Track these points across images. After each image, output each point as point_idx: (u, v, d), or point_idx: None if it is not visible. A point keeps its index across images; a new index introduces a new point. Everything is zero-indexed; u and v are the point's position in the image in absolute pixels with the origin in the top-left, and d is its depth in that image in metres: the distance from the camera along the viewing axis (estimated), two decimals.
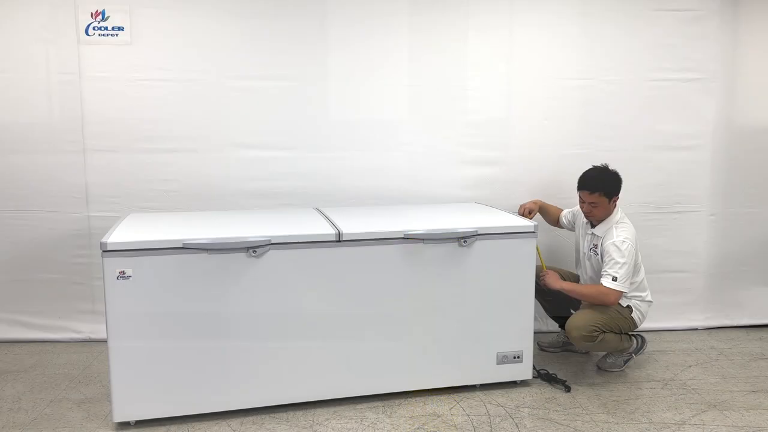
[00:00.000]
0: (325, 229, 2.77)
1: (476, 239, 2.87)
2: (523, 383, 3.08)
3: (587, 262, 3.21)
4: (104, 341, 2.80)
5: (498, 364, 2.99)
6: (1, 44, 3.33)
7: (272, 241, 2.65)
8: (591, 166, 3.14)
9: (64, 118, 3.39)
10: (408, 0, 3.53)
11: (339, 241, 2.72)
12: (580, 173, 3.14)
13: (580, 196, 3.10)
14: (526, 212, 3.35)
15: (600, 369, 3.24)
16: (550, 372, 3.14)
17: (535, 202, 3.43)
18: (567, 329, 3.01)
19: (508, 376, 3.02)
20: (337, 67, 3.53)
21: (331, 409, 2.80)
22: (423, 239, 2.81)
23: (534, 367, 3.07)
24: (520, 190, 3.69)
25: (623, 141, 3.72)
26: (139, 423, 2.65)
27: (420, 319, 2.86)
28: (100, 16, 3.34)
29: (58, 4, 3.31)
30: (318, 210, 3.27)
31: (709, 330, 3.90)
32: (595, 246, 3.10)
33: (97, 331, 3.53)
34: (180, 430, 2.62)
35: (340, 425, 2.67)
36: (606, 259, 2.99)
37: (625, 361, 3.25)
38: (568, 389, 3.03)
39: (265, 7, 3.44)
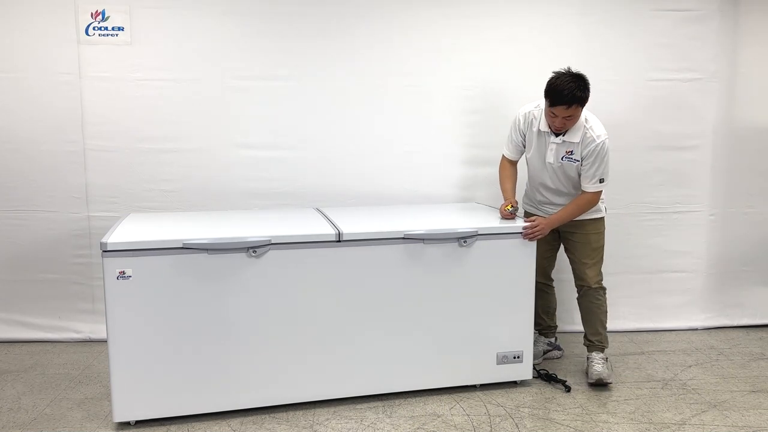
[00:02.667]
0: (325, 229, 2.77)
1: (476, 239, 2.87)
2: (523, 383, 3.08)
3: (559, 172, 3.00)
4: (104, 341, 2.81)
5: (498, 364, 2.99)
6: (1, 44, 3.33)
7: (272, 241, 2.65)
8: (553, 74, 2.84)
9: (64, 118, 3.39)
10: (410, 1, 3.53)
11: (339, 241, 2.72)
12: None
13: (552, 112, 2.82)
14: (509, 213, 3.04)
15: (598, 384, 3.04)
16: (550, 372, 3.14)
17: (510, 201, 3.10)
18: (582, 284, 3.08)
19: (508, 376, 3.02)
20: (337, 67, 3.53)
21: (331, 409, 2.80)
22: (423, 239, 2.81)
23: (534, 367, 3.07)
24: (520, 190, 3.68)
25: (623, 141, 3.72)
26: (139, 423, 2.65)
27: (420, 319, 2.86)
28: (100, 16, 3.34)
29: (58, 4, 3.31)
30: (318, 210, 3.27)
31: (709, 330, 3.90)
32: (570, 153, 2.93)
33: (97, 331, 3.53)
34: (180, 430, 2.62)
35: (340, 425, 2.67)
36: (590, 161, 2.90)
37: (610, 368, 3.11)
38: (568, 389, 3.03)
39: (264, 6, 3.44)
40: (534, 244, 2.95)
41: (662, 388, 3.08)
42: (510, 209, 3.01)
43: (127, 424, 2.65)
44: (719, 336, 3.81)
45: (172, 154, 3.48)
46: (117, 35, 3.36)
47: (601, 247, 3.12)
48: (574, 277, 3.16)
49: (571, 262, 3.17)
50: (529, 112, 3.05)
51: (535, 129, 3.02)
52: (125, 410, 2.61)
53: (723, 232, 3.88)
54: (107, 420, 2.69)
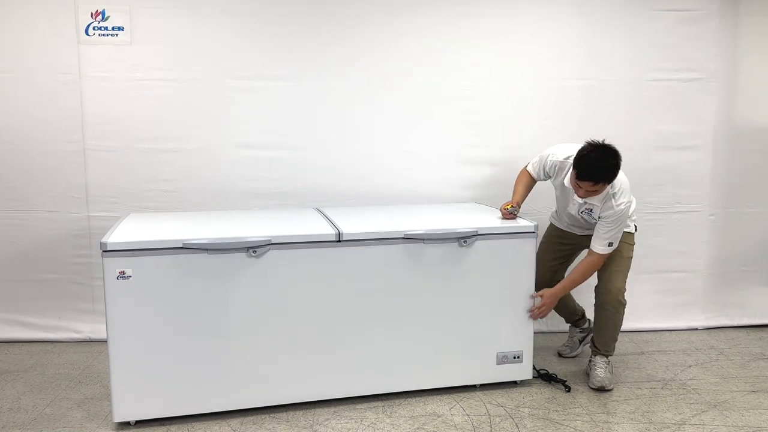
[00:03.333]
0: (325, 229, 2.77)
1: (476, 239, 2.87)
2: (523, 383, 3.08)
3: (579, 218, 3.04)
4: (104, 341, 2.81)
5: (498, 364, 2.99)
6: (2, 44, 3.33)
7: (272, 241, 2.65)
8: (587, 146, 2.79)
9: (64, 118, 3.39)
10: (409, 0, 3.53)
11: (339, 241, 2.72)
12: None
13: (577, 183, 2.80)
14: (508, 213, 3.04)
15: (599, 390, 3.04)
16: (550, 372, 3.14)
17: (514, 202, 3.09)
18: (606, 293, 3.01)
19: (508, 376, 3.02)
20: (337, 67, 3.53)
21: (331, 409, 2.80)
22: (423, 239, 2.81)
23: (534, 367, 3.07)
24: (536, 201, 3.64)
25: (623, 141, 3.69)
26: (139, 423, 2.65)
27: (420, 319, 2.86)
28: (100, 16, 3.34)
29: (58, 4, 3.31)
30: (318, 210, 3.27)
31: (709, 330, 3.90)
32: (590, 210, 2.95)
33: (97, 331, 3.53)
34: (180, 430, 2.62)
35: (340, 425, 2.67)
36: (604, 223, 2.88)
37: (612, 373, 3.12)
38: (568, 389, 3.03)
39: (264, 7, 3.44)
40: (533, 243, 2.95)
41: (662, 388, 3.08)
42: (510, 209, 3.01)
43: (127, 424, 2.65)
44: (719, 336, 3.81)
45: (172, 154, 3.48)
46: (117, 35, 3.37)
47: (630, 259, 3.09)
48: (599, 284, 3.09)
49: (599, 270, 3.10)
50: (559, 163, 3.00)
51: (560, 178, 3.02)
52: (125, 410, 2.61)
53: (723, 232, 3.88)
54: (107, 420, 2.69)
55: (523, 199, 3.14)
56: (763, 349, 3.60)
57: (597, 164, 2.73)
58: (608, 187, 2.85)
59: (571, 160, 2.88)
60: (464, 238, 2.85)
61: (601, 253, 2.93)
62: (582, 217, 3.02)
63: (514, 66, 3.64)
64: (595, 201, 2.90)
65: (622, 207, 2.86)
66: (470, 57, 3.61)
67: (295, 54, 3.49)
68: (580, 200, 2.92)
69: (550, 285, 3.23)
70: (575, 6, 3.61)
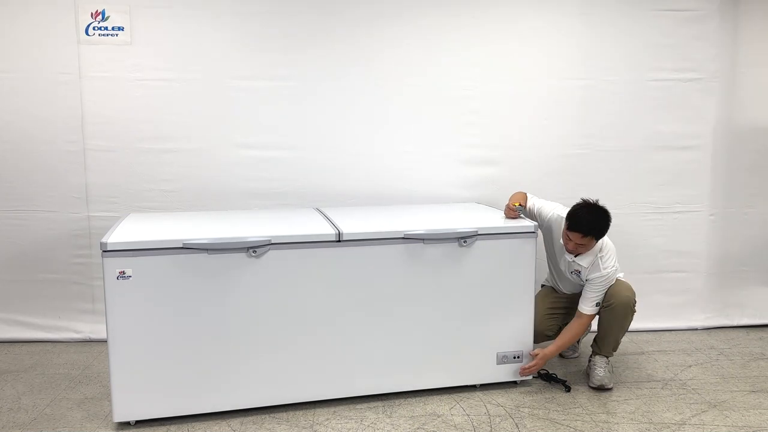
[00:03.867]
0: (325, 229, 2.77)
1: (476, 239, 2.87)
2: (523, 383, 3.08)
3: (569, 277, 3.12)
4: (104, 341, 2.80)
5: (498, 364, 2.99)
6: (1, 44, 3.33)
7: (272, 241, 2.65)
8: (581, 202, 2.92)
9: (64, 118, 3.39)
10: (409, 1, 3.53)
11: (339, 241, 2.73)
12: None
13: (567, 235, 2.89)
14: (514, 210, 3.07)
15: (598, 387, 3.05)
16: (550, 372, 3.14)
17: (519, 199, 3.16)
18: (618, 297, 2.98)
19: (508, 376, 3.02)
20: (337, 67, 3.53)
21: (331, 409, 2.80)
22: (423, 239, 2.81)
23: None
24: (520, 190, 3.68)
25: (623, 141, 3.73)
26: (139, 423, 2.65)
27: (420, 319, 2.86)
28: (100, 16, 3.34)
29: (58, 4, 3.31)
30: (318, 210, 3.27)
31: (709, 330, 3.90)
32: (578, 272, 3.03)
33: (97, 331, 3.53)
34: (180, 430, 2.62)
35: (340, 425, 2.67)
36: (591, 286, 2.97)
37: (611, 372, 3.13)
38: (568, 389, 3.03)
39: (264, 7, 3.44)
40: (534, 243, 2.95)
41: (662, 388, 3.08)
42: (517, 207, 3.03)
43: (127, 424, 2.65)
44: (719, 336, 3.81)
45: (172, 154, 3.48)
46: (117, 35, 3.37)
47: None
48: (608, 296, 3.02)
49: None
50: (561, 218, 3.02)
51: (555, 234, 3.08)
52: (125, 410, 2.61)
53: (723, 232, 3.88)
54: (107, 420, 2.69)
55: (525, 204, 3.16)
56: (763, 349, 3.60)
57: (588, 218, 2.86)
58: (595, 246, 2.93)
59: None
60: (464, 238, 2.85)
61: (589, 314, 3.01)
62: (572, 278, 3.10)
63: (514, 66, 3.64)
64: (583, 263, 2.97)
65: (609, 270, 2.95)
66: (470, 57, 3.60)
67: (295, 54, 3.49)
68: (569, 258, 3.00)
69: (546, 332, 3.22)
70: (575, 6, 3.61)
